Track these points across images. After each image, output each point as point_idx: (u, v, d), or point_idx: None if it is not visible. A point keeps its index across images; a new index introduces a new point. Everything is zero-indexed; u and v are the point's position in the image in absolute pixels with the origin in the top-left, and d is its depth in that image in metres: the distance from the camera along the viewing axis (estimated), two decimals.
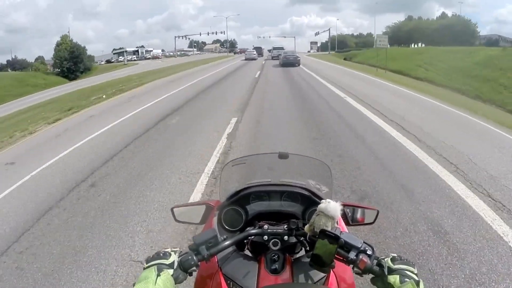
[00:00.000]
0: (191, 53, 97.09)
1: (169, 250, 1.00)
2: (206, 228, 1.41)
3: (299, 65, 26.66)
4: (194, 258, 0.98)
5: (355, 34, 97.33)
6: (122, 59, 73.65)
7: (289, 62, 26.95)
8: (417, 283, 0.87)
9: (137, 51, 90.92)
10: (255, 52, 45.55)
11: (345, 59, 41.62)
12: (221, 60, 45.19)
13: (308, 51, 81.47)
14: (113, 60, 75.20)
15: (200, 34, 74.09)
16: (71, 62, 44.54)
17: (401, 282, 0.88)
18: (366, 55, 36.76)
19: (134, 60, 69.67)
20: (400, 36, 58.78)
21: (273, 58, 39.49)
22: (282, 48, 45.27)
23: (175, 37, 74.46)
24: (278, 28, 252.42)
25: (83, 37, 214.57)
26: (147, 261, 0.97)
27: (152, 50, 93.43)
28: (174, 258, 0.97)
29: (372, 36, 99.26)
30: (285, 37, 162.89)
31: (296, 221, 1.19)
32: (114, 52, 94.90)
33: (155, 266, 0.91)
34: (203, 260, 0.99)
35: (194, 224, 1.57)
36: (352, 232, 1.07)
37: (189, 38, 77.12)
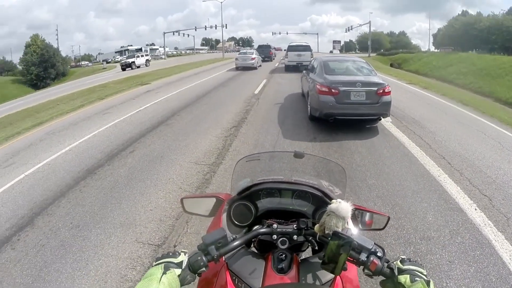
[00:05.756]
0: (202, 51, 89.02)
1: (178, 250, 0.99)
2: (214, 222, 1.39)
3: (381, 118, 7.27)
4: (204, 258, 0.96)
5: (384, 32, 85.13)
6: (119, 59, 67.93)
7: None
8: (427, 282, 0.87)
9: (140, 49, 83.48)
10: (253, 56, 23.59)
11: (391, 65, 28.85)
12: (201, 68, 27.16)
13: (331, 51, 70.77)
14: (109, 60, 67.63)
15: (196, 29, 62.69)
16: (40, 67, 36.18)
17: (412, 281, 0.89)
18: (426, 63, 25.29)
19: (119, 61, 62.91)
20: (460, 38, 43.04)
21: (286, 68, 20.96)
22: (307, 48, 21.38)
23: (164, 33, 62.91)
24: (298, 27, 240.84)
25: (103, 34, 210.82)
26: (156, 259, 0.96)
27: (158, 49, 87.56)
28: (183, 258, 0.96)
29: (406, 35, 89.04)
30: (305, 33, 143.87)
31: (306, 220, 1.18)
32: (116, 51, 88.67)
33: (162, 264, 0.91)
34: (212, 261, 0.98)
35: (203, 216, 1.57)
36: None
37: (179, 34, 66.43)
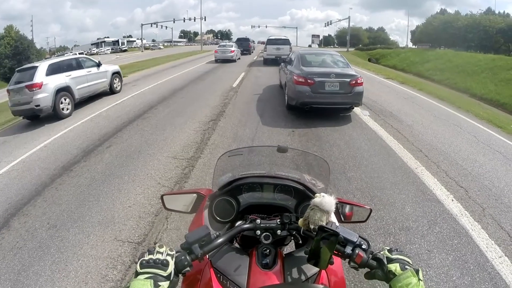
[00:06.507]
0: (180, 44, 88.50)
1: (163, 249, 0.91)
2: (196, 218, 1.37)
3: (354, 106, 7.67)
4: (188, 258, 0.93)
5: (363, 28, 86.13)
6: (95, 51, 65.74)
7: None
8: (417, 271, 0.89)
9: (117, 41, 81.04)
10: (233, 48, 24.09)
11: (369, 60, 29.34)
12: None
13: (309, 45, 71.42)
14: (84, 53, 66.46)
15: (174, 21, 64.95)
16: (14, 60, 34.66)
17: (402, 269, 0.90)
18: (404, 58, 25.61)
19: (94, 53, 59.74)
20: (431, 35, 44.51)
21: (265, 61, 21.00)
22: (286, 42, 21.32)
23: (142, 24, 64.05)
24: (277, 20, 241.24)
25: (79, 25, 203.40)
26: (142, 264, 0.87)
27: (135, 41, 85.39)
28: (171, 268, 0.89)
29: (385, 31, 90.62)
30: (285, 27, 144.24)
31: (289, 215, 1.17)
32: (93, 43, 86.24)
33: (151, 280, 0.84)
34: (196, 259, 0.95)
35: (184, 213, 1.56)
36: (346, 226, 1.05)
37: (157, 26, 68.06)
